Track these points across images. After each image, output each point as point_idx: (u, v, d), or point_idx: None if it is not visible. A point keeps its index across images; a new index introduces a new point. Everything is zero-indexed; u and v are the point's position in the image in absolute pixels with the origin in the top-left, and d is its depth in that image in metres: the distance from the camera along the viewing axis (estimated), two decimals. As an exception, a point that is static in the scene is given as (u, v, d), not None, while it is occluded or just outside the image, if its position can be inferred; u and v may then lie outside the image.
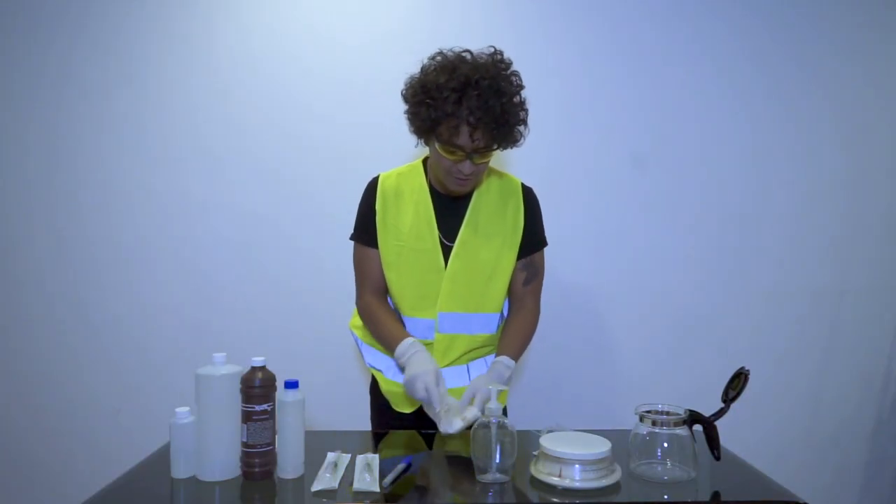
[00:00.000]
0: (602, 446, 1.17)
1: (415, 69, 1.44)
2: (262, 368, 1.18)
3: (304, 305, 2.29)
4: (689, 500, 1.14)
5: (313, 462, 1.23)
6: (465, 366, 1.58)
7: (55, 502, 2.27)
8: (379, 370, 1.61)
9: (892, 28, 2.33)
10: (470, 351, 1.57)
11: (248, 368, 1.19)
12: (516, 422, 1.52)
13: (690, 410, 1.25)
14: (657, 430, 1.22)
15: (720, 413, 1.25)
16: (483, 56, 1.39)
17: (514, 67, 1.41)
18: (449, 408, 1.32)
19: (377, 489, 1.14)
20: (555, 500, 1.12)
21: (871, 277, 2.37)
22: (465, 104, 1.31)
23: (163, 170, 2.26)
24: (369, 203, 1.54)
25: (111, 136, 2.26)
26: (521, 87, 1.41)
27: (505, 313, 1.62)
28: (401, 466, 1.22)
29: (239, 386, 1.18)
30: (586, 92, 2.29)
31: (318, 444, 1.31)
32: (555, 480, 1.14)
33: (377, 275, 1.55)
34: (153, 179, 2.26)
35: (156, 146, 2.26)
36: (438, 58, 1.40)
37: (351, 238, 1.59)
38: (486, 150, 1.39)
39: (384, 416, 1.63)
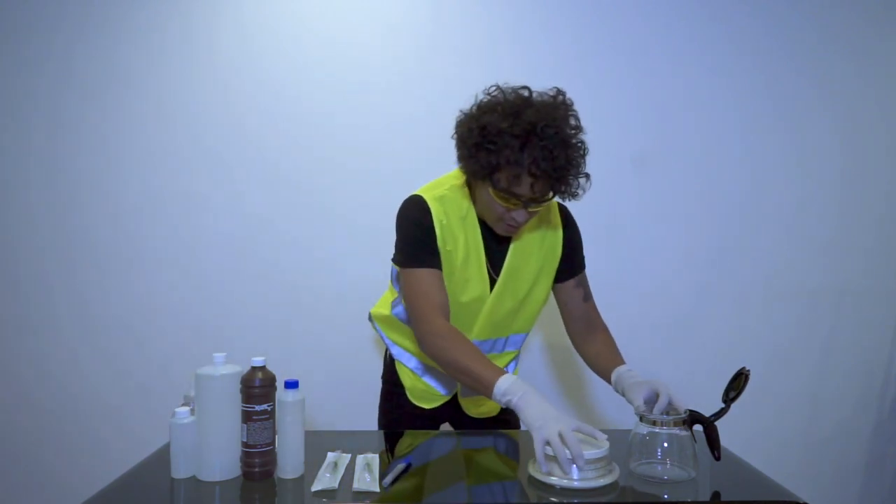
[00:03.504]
0: (600, 445, 1.17)
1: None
2: (262, 368, 1.18)
3: (304, 305, 2.28)
4: (689, 500, 1.14)
5: (313, 462, 1.23)
6: None
7: (56, 502, 2.27)
8: (407, 366, 1.59)
9: (891, 28, 2.33)
10: None
11: (248, 368, 1.19)
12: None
13: (691, 410, 1.25)
14: (657, 430, 1.22)
15: (720, 413, 1.25)
16: (546, 97, 1.31)
17: (575, 107, 1.33)
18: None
19: (377, 489, 1.14)
20: (553, 499, 1.12)
21: (870, 277, 2.37)
22: (528, 153, 1.23)
23: (163, 169, 2.26)
24: (426, 225, 1.39)
25: (111, 136, 2.26)
26: (581, 129, 1.32)
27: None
28: (401, 466, 1.22)
29: (239, 386, 1.18)
30: (583, 91, 2.28)
31: (318, 444, 1.31)
32: (553, 480, 1.14)
33: (445, 297, 1.38)
34: (154, 179, 2.27)
35: (156, 146, 2.26)
36: (496, 93, 1.32)
37: (403, 264, 1.41)
38: (544, 200, 1.32)
39: (397, 409, 1.61)
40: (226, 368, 1.20)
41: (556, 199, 1.37)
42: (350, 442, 1.39)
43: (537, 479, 1.17)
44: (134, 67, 2.24)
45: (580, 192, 1.34)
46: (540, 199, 1.32)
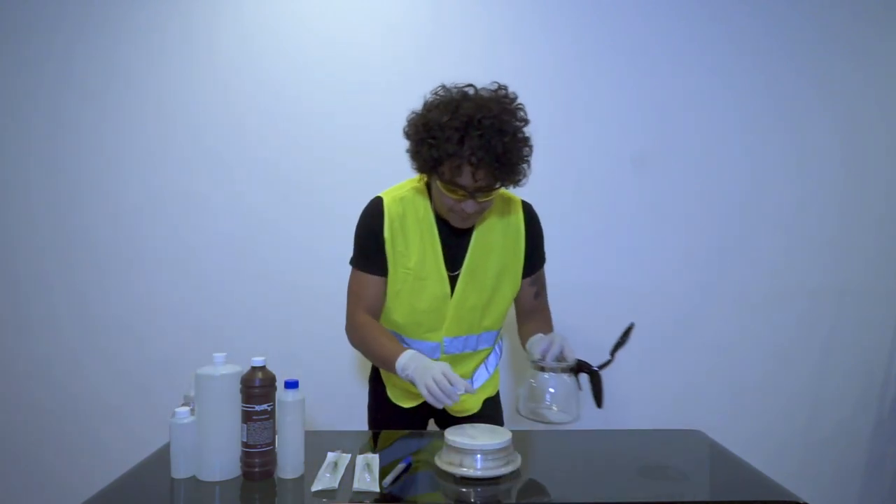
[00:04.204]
0: (503, 436, 1.22)
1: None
2: (262, 368, 1.19)
3: (304, 305, 2.28)
4: (689, 500, 1.14)
5: (313, 462, 1.23)
6: (470, 380, 1.60)
7: (56, 502, 2.27)
8: None
9: (891, 28, 2.33)
10: (473, 364, 1.61)
11: (248, 368, 1.19)
12: (514, 421, 1.52)
13: (579, 360, 1.32)
14: (546, 376, 1.30)
15: (606, 364, 1.33)
16: (486, 92, 1.35)
17: (519, 101, 1.36)
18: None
19: (377, 489, 1.14)
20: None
21: (870, 277, 2.37)
22: (467, 144, 1.27)
23: (163, 169, 2.26)
24: (374, 230, 1.47)
25: (111, 136, 2.26)
26: (526, 121, 1.35)
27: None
28: (400, 466, 1.22)
29: (239, 386, 1.19)
30: (583, 91, 2.29)
31: (318, 444, 1.31)
32: (456, 470, 1.18)
33: (376, 300, 1.50)
34: (154, 179, 2.27)
35: (156, 146, 2.26)
36: (441, 92, 1.37)
37: (351, 264, 1.53)
38: (489, 189, 1.36)
39: (382, 408, 1.66)
40: (226, 368, 1.20)
41: (507, 188, 1.40)
42: (350, 442, 1.39)
43: (441, 468, 1.21)
44: (134, 67, 2.24)
45: (523, 179, 1.38)
46: (485, 189, 1.35)
